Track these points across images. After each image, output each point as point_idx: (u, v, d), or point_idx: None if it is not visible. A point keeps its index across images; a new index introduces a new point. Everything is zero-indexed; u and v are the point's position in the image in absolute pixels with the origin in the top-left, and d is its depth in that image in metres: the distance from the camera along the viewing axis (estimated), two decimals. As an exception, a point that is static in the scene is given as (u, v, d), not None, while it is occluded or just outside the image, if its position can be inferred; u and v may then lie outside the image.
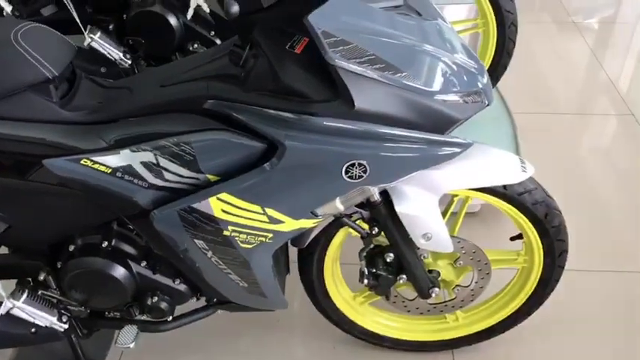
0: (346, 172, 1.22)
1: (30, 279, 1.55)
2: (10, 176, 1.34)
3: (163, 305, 1.54)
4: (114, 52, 2.00)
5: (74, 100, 1.35)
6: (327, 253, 1.61)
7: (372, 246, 1.56)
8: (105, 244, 1.46)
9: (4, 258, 1.55)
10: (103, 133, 1.31)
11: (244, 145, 1.22)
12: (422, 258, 1.55)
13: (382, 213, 1.41)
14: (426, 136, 1.22)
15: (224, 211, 1.27)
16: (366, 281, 1.56)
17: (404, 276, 1.55)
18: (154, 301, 1.53)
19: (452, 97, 1.22)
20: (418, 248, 1.50)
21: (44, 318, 1.54)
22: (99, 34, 1.97)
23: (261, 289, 1.47)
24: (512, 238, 1.63)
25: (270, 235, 1.32)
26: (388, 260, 1.54)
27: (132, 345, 1.58)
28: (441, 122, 1.23)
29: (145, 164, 1.28)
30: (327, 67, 1.14)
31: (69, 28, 2.09)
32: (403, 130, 1.20)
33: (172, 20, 2.02)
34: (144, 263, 1.50)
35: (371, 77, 1.14)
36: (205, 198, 1.26)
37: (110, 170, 1.28)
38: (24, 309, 1.51)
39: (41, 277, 1.51)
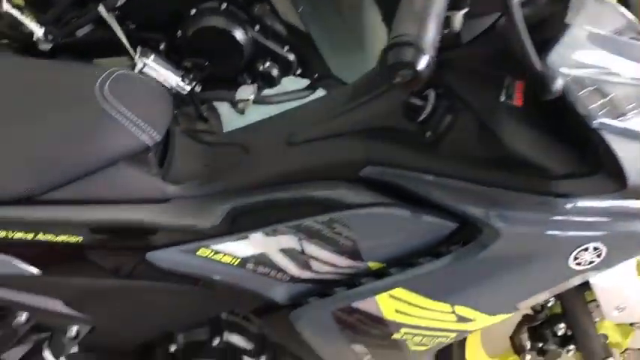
0: (575, 259, 0.91)
1: None
2: (99, 275, 1.03)
3: None
4: (170, 78, 1.65)
5: (174, 167, 1.04)
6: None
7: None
8: (216, 341, 1.15)
9: None
10: (223, 210, 0.99)
11: (428, 224, 0.91)
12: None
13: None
14: None
15: (398, 311, 0.96)
16: (528, 357, 1.27)
17: (571, 347, 1.27)
18: None
19: None
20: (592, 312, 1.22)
21: None
22: (152, 56, 1.62)
23: None
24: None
25: (453, 335, 1.01)
26: (559, 333, 1.25)
27: None
28: None
29: (285, 252, 0.97)
30: (566, 125, 0.83)
31: (109, 50, 1.75)
32: None
33: (239, 35, 1.65)
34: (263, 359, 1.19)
35: None
36: (371, 296, 0.95)
37: (238, 261, 0.97)
38: None
39: None
